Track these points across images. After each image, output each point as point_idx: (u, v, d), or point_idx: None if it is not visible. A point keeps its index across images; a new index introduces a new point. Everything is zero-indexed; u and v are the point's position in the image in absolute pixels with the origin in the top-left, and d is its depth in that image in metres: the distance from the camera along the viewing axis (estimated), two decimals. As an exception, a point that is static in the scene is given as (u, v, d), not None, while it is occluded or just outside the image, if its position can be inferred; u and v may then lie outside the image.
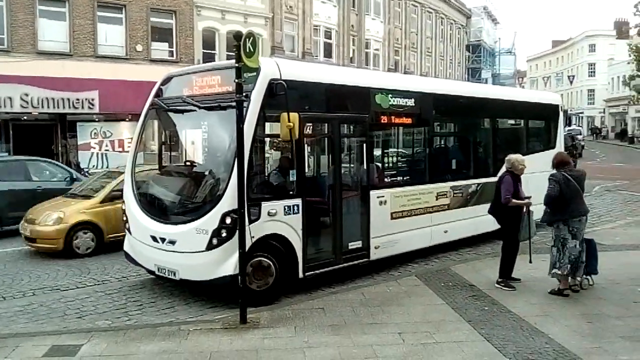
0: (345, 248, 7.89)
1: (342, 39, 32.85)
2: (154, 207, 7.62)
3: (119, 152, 21.18)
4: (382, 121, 8.70)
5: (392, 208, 8.57)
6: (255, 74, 6.34)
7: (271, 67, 6.99)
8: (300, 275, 7.31)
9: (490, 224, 8.08)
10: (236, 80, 6.07)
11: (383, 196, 8.40)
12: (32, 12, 19.85)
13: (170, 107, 7.90)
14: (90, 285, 8.17)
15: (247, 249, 6.24)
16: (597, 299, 7.02)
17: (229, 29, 24.05)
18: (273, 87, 6.78)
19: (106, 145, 21.88)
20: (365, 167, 8.35)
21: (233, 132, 6.43)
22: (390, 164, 9.50)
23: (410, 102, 8.99)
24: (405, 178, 9.27)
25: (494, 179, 8.49)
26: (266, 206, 6.86)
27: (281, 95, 6.72)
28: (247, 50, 6.01)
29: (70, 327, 6.40)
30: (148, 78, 11.23)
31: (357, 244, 8.08)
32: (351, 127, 8.50)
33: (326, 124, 8.06)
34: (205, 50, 24.29)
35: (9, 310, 7.06)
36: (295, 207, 7.15)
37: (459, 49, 51.80)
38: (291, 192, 7.20)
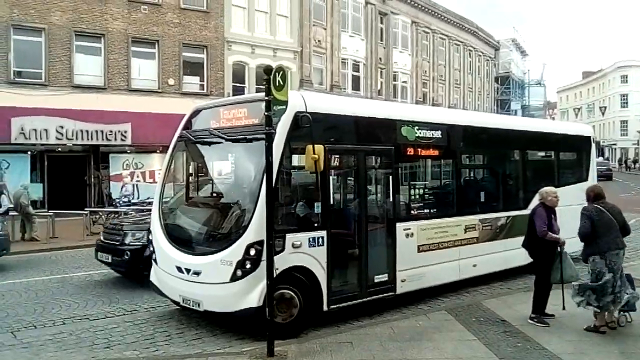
0: (370, 281, 7.77)
1: (370, 71, 33.21)
2: (179, 237, 7.66)
3: (150, 182, 21.61)
4: (409, 153, 8.65)
5: (418, 241, 8.44)
6: (284, 107, 6.41)
7: (297, 100, 7.04)
8: (325, 308, 7.21)
9: (522, 257, 7.87)
10: (266, 113, 6.13)
11: (410, 229, 8.30)
12: (69, 48, 20.74)
13: (198, 139, 8.03)
14: (119, 315, 8.21)
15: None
16: (635, 336, 6.72)
17: (259, 63, 24.63)
18: (298, 120, 6.82)
19: (137, 176, 22.38)
20: (391, 199, 8.27)
21: (258, 163, 6.47)
22: (417, 196, 9.39)
23: (437, 134, 8.95)
24: (432, 210, 9.15)
25: (525, 212, 8.30)
26: (290, 238, 6.84)
27: (306, 128, 6.76)
28: (277, 84, 6.08)
29: (98, 357, 6.42)
30: (179, 111, 11.50)
31: (383, 277, 7.95)
32: (377, 159, 8.47)
33: (352, 156, 8.06)
34: (235, 84, 24.87)
35: (40, 338, 7.13)
36: (320, 239, 7.11)
37: (488, 80, 51.71)
38: (316, 224, 7.17)
